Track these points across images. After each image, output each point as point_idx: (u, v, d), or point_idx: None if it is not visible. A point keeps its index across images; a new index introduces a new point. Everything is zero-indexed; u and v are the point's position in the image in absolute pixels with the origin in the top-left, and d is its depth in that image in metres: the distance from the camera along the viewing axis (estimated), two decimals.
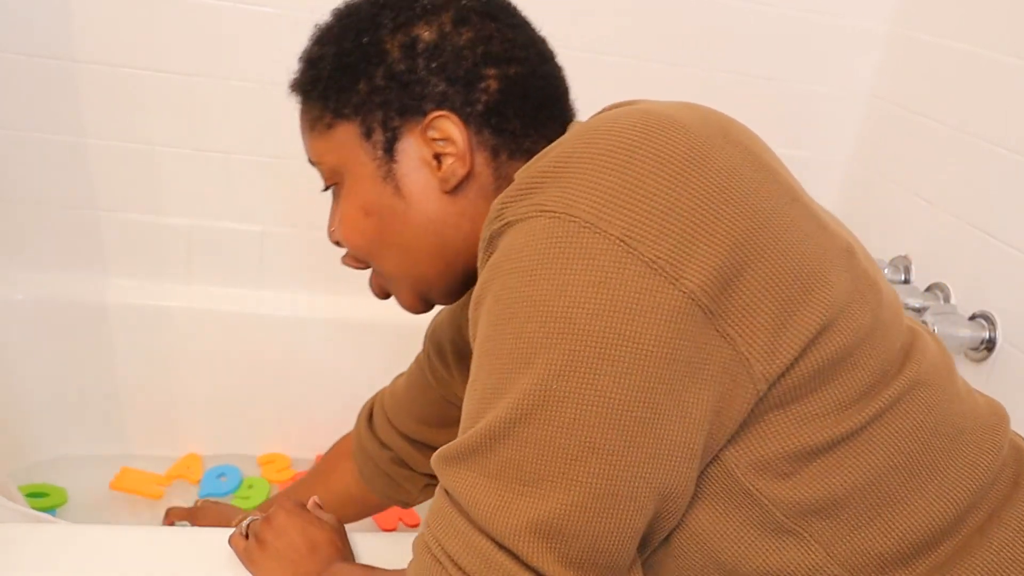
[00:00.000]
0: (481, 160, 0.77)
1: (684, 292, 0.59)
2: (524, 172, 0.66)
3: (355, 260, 0.85)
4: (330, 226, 0.86)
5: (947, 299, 1.47)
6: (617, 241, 0.59)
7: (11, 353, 1.56)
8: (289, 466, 1.71)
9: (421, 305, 0.86)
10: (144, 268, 1.66)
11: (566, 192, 0.61)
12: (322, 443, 1.75)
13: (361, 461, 1.20)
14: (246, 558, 0.89)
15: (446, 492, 0.64)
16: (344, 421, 1.74)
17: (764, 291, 0.61)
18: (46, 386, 1.59)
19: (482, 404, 0.62)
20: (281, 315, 1.69)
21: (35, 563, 0.85)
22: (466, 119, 0.76)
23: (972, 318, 1.39)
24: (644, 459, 0.59)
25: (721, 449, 0.64)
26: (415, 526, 1.61)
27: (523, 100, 0.78)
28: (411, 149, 0.77)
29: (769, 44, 1.70)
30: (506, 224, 0.64)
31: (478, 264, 0.69)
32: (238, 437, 1.71)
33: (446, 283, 0.83)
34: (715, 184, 0.61)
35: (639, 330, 0.58)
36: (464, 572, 0.61)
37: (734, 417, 0.62)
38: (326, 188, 0.84)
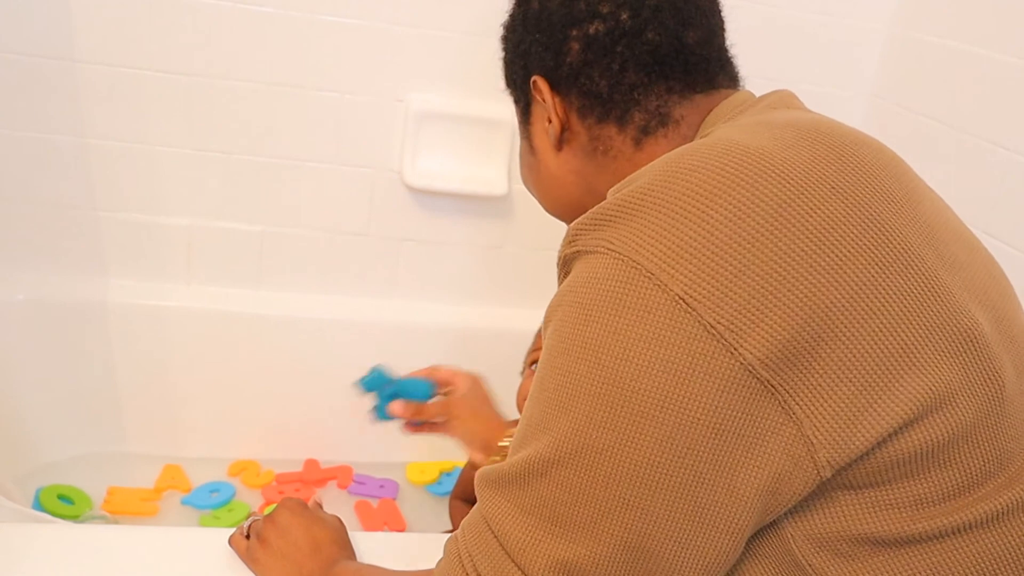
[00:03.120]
0: (574, 120, 0.80)
1: (741, 362, 0.55)
2: (610, 197, 0.64)
3: None
4: None
5: None
6: (677, 299, 0.55)
7: (11, 353, 1.55)
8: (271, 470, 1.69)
9: None
10: (144, 268, 1.66)
11: (635, 234, 0.58)
12: (321, 444, 1.75)
13: None
14: (248, 558, 0.88)
15: (483, 514, 0.63)
16: (343, 421, 1.74)
17: (842, 372, 0.56)
18: (45, 386, 1.59)
19: (527, 432, 0.62)
20: (280, 315, 1.69)
21: (35, 563, 0.85)
22: (554, 82, 0.80)
23: None
24: (683, 524, 0.57)
25: (779, 516, 0.60)
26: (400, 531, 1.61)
27: (608, 60, 0.76)
28: (536, 110, 0.84)
29: (769, 44, 1.69)
30: (577, 252, 0.63)
31: (557, 280, 0.68)
32: (236, 437, 1.71)
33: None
34: (801, 246, 0.56)
35: (687, 395, 0.55)
36: None
37: (791, 498, 0.58)
38: None
